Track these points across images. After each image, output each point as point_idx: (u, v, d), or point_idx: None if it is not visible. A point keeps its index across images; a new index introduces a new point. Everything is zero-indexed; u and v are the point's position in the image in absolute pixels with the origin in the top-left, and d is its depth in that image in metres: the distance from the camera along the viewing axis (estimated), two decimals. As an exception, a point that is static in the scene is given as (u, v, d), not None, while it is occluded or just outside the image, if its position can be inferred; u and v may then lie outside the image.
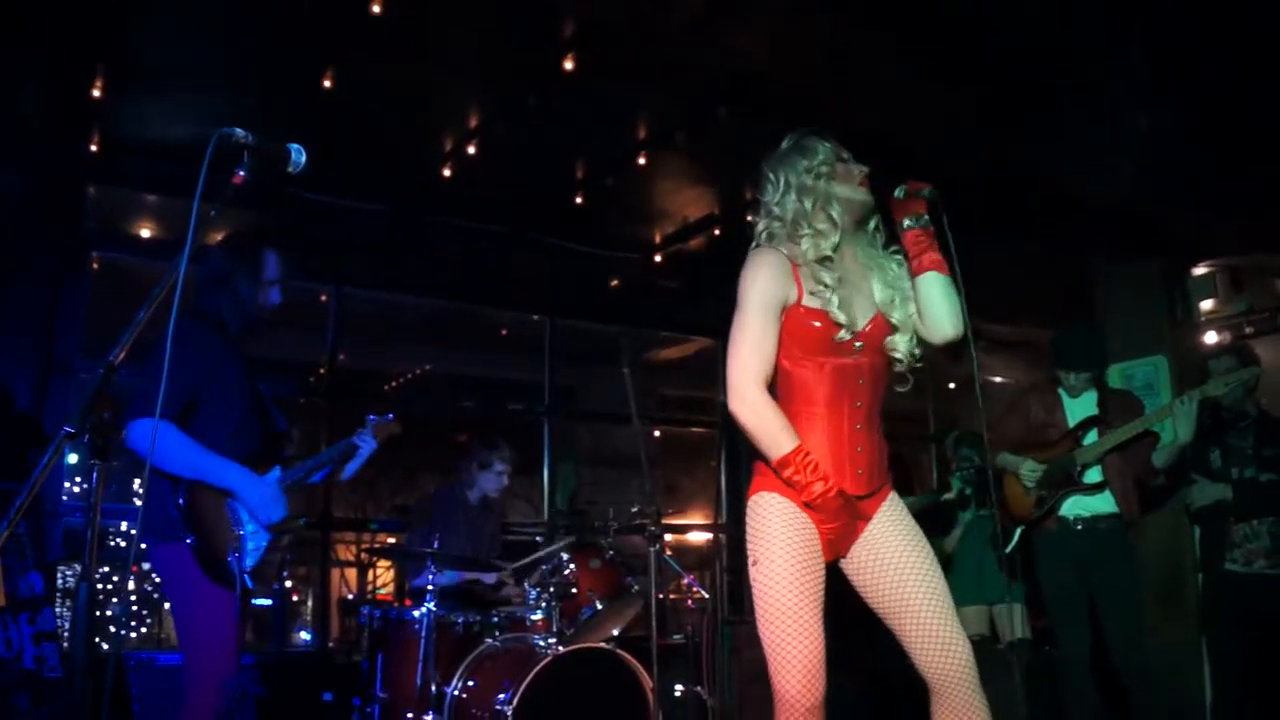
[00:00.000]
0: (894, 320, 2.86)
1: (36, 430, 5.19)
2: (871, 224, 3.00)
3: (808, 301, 2.79)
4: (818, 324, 2.78)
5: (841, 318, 2.77)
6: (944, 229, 2.85)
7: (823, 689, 2.74)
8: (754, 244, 2.97)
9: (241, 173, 2.40)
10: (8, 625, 4.37)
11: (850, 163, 2.92)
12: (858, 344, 2.81)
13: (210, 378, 3.36)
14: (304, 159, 2.57)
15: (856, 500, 2.81)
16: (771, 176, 2.97)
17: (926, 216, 2.86)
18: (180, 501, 3.26)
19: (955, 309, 2.82)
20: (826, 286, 2.79)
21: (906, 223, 2.86)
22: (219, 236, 3.90)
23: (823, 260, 2.83)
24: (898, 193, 2.88)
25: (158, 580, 3.57)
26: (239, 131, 2.37)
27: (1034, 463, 4.91)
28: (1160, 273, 6.12)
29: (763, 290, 2.80)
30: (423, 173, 6.10)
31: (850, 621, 3.10)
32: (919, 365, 2.90)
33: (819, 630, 2.74)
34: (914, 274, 2.86)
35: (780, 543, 2.76)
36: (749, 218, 3.09)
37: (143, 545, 3.53)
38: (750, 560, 2.84)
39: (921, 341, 2.89)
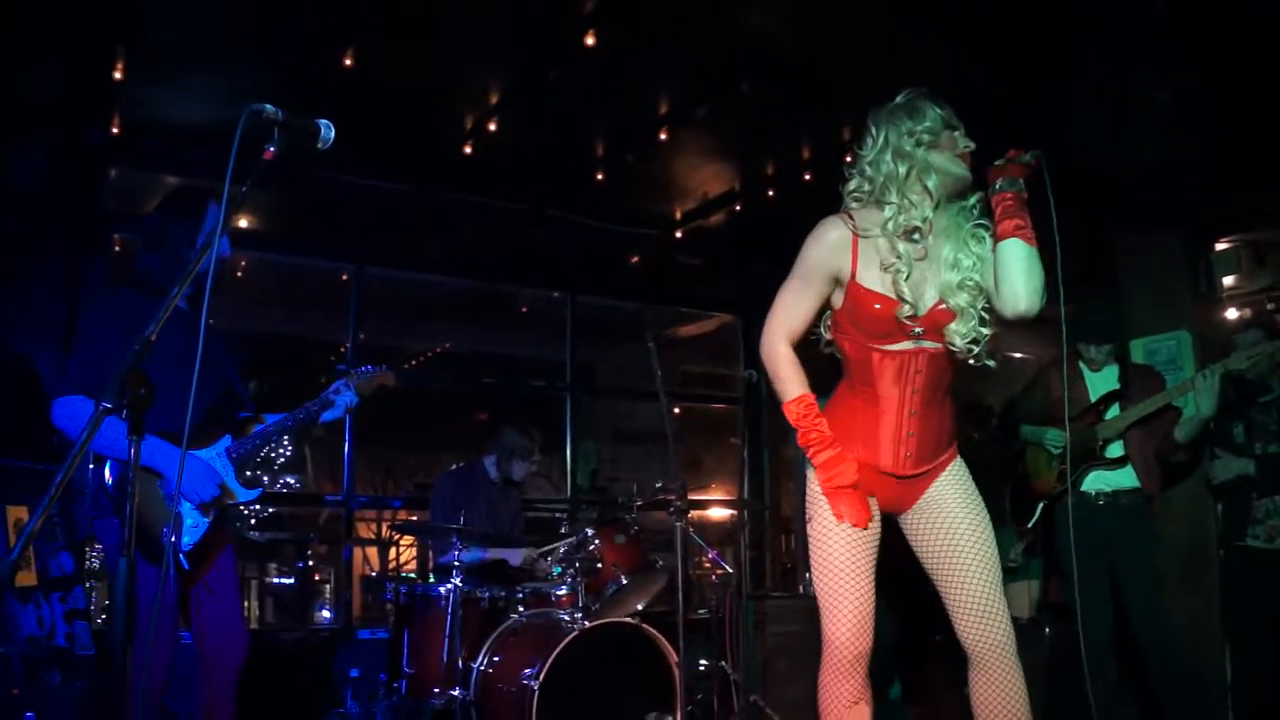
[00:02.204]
0: (951, 305, 2.76)
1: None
2: (971, 200, 2.87)
3: (866, 280, 2.77)
4: (878, 306, 2.76)
5: (908, 294, 2.74)
6: (1047, 194, 2.74)
7: (870, 640, 2.84)
8: (846, 204, 2.91)
9: (271, 149, 2.39)
10: (40, 604, 4.41)
11: (959, 133, 2.83)
12: (918, 329, 2.76)
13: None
14: (333, 134, 2.56)
15: (901, 479, 2.86)
16: (873, 131, 2.87)
17: (1021, 181, 2.77)
18: (109, 478, 3.14)
19: (1033, 283, 2.70)
20: (899, 259, 2.75)
21: (999, 184, 2.77)
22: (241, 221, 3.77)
23: (909, 232, 2.78)
24: (999, 161, 2.80)
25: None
26: (269, 107, 2.36)
27: (1057, 431, 4.88)
28: (1183, 248, 6.07)
29: (813, 259, 2.83)
30: (443, 151, 6.09)
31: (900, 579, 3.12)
32: (975, 356, 2.78)
33: (870, 584, 2.84)
34: (996, 239, 2.75)
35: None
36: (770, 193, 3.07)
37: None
38: (806, 516, 2.93)
39: (990, 322, 2.79)
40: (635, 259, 7.83)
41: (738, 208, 7.04)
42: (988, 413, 6.75)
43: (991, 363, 2.81)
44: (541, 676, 4.34)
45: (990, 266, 2.78)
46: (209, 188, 3.49)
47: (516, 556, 5.73)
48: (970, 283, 2.77)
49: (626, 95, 5.60)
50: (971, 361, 2.80)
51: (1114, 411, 4.85)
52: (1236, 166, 5.57)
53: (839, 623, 2.84)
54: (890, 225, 2.77)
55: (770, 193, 6.71)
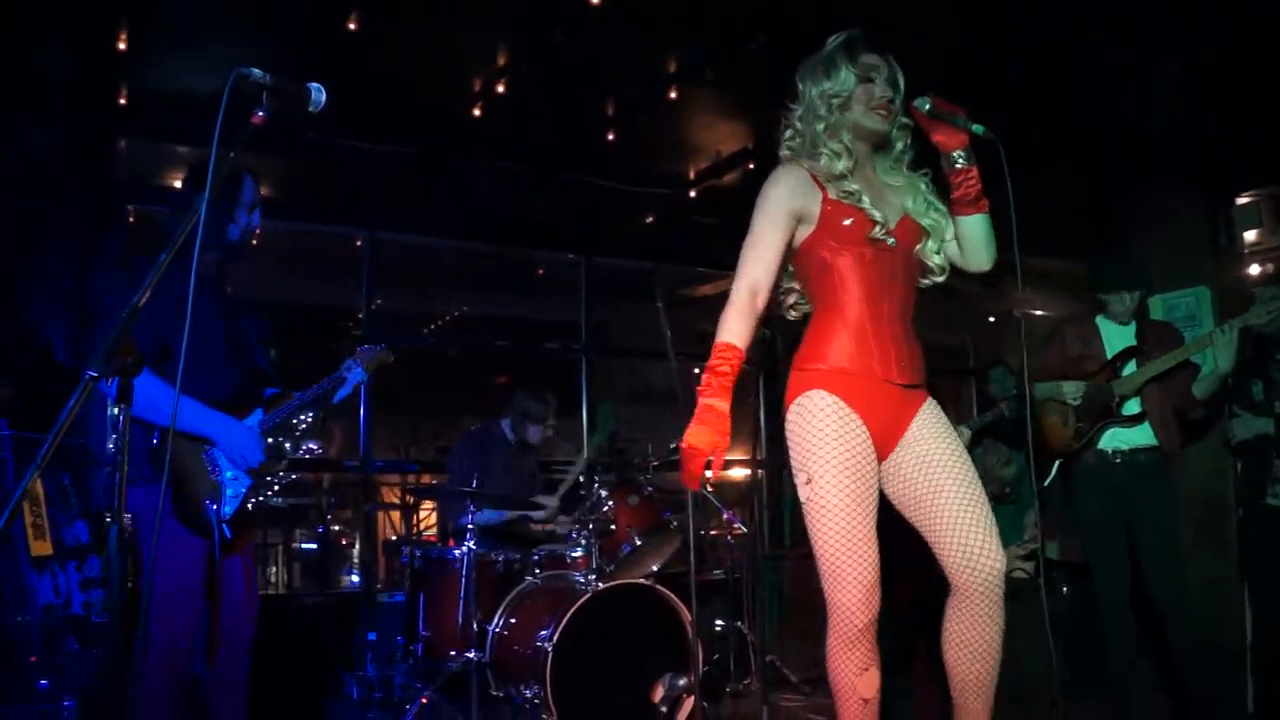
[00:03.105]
0: (924, 224, 2.91)
1: (74, 382, 5.25)
2: (900, 145, 3.00)
3: (837, 198, 2.83)
4: (849, 221, 2.81)
5: (876, 215, 2.81)
6: (1002, 163, 2.76)
7: (877, 606, 2.78)
8: (781, 154, 3.04)
9: (260, 113, 2.36)
10: (56, 573, 4.45)
11: (876, 83, 2.87)
12: (890, 240, 2.84)
13: (179, 315, 3.23)
14: (324, 98, 2.52)
15: (902, 388, 2.84)
16: (800, 88, 2.99)
17: (971, 154, 2.81)
18: (155, 445, 3.18)
19: (992, 244, 2.89)
20: (850, 194, 2.83)
21: (958, 157, 2.82)
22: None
23: (842, 176, 2.86)
24: (919, 102, 2.81)
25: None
26: (256, 71, 2.34)
27: (1075, 382, 4.83)
28: (1203, 202, 5.98)
29: (775, 202, 2.87)
30: (452, 114, 6.05)
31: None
32: (942, 278, 2.97)
33: (874, 546, 2.77)
34: (958, 212, 2.88)
35: (831, 454, 2.75)
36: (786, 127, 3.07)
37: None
38: (801, 478, 2.82)
39: (1003, 235, 2.91)
40: (650, 219, 7.79)
41: (751, 166, 6.97)
42: (1006, 371, 6.72)
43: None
44: (556, 638, 4.36)
45: (945, 211, 2.93)
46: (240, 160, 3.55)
47: (541, 512, 5.76)
48: (937, 210, 2.92)
49: (634, 54, 5.53)
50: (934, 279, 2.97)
51: (1130, 368, 4.79)
52: (1259, 118, 5.47)
53: (847, 590, 2.75)
54: (835, 169, 2.86)
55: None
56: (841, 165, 2.85)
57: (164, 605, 3.12)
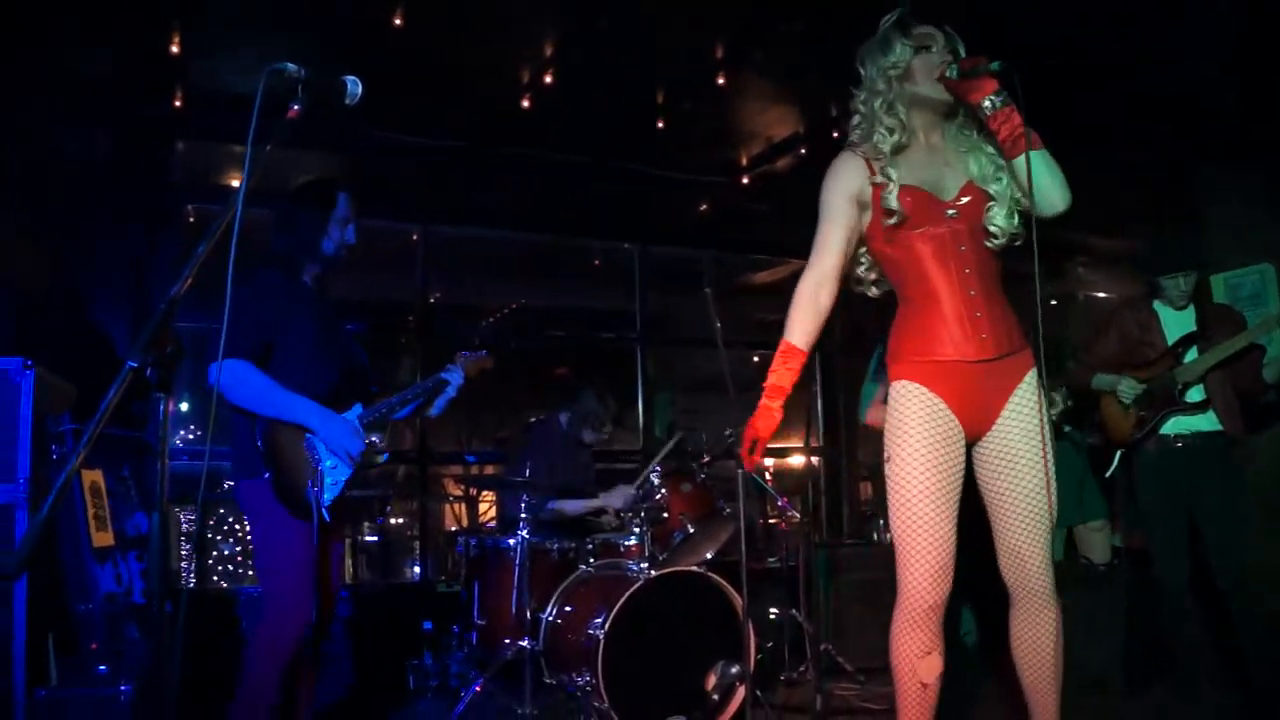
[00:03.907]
0: (990, 191, 2.87)
1: (135, 376, 5.36)
2: (962, 114, 2.98)
3: (891, 179, 2.84)
4: (909, 199, 2.83)
5: (929, 186, 2.85)
6: (1019, 100, 2.76)
7: (947, 589, 2.84)
8: (849, 140, 3.03)
9: (296, 107, 2.39)
10: (118, 563, 4.55)
11: (933, 50, 2.89)
12: (950, 211, 2.85)
13: (283, 319, 3.44)
14: (360, 90, 2.54)
15: (983, 363, 2.84)
16: (860, 70, 3.00)
17: (1005, 93, 2.77)
18: (258, 438, 3.36)
19: (1061, 180, 2.77)
20: (904, 173, 2.85)
21: (986, 104, 2.78)
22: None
23: (895, 153, 2.87)
24: (950, 73, 2.79)
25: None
26: (290, 66, 2.37)
27: (1133, 379, 4.74)
28: (1266, 177, 5.83)
29: (833, 189, 2.93)
30: (502, 105, 6.09)
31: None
32: (1018, 241, 2.88)
33: (950, 530, 2.82)
34: (1009, 157, 2.80)
35: (915, 439, 2.83)
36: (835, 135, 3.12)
37: (229, 484, 3.64)
38: (885, 456, 2.90)
39: (1024, 216, 2.86)
40: (703, 207, 7.78)
41: (804, 151, 6.93)
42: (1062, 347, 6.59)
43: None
44: (608, 626, 4.36)
45: (1008, 170, 2.86)
46: (336, 178, 3.82)
47: (617, 499, 5.75)
48: (1002, 176, 2.87)
49: (682, 40, 5.52)
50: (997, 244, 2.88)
51: (1192, 355, 4.68)
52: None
53: (916, 569, 2.82)
54: (883, 146, 2.87)
55: (835, 134, 6.59)
56: (892, 141, 2.87)
57: (281, 595, 3.37)
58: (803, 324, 2.94)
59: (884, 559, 6.05)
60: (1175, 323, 4.81)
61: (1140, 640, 5.02)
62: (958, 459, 2.86)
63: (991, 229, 2.86)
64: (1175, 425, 4.72)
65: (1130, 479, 4.91)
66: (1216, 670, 4.80)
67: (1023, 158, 2.72)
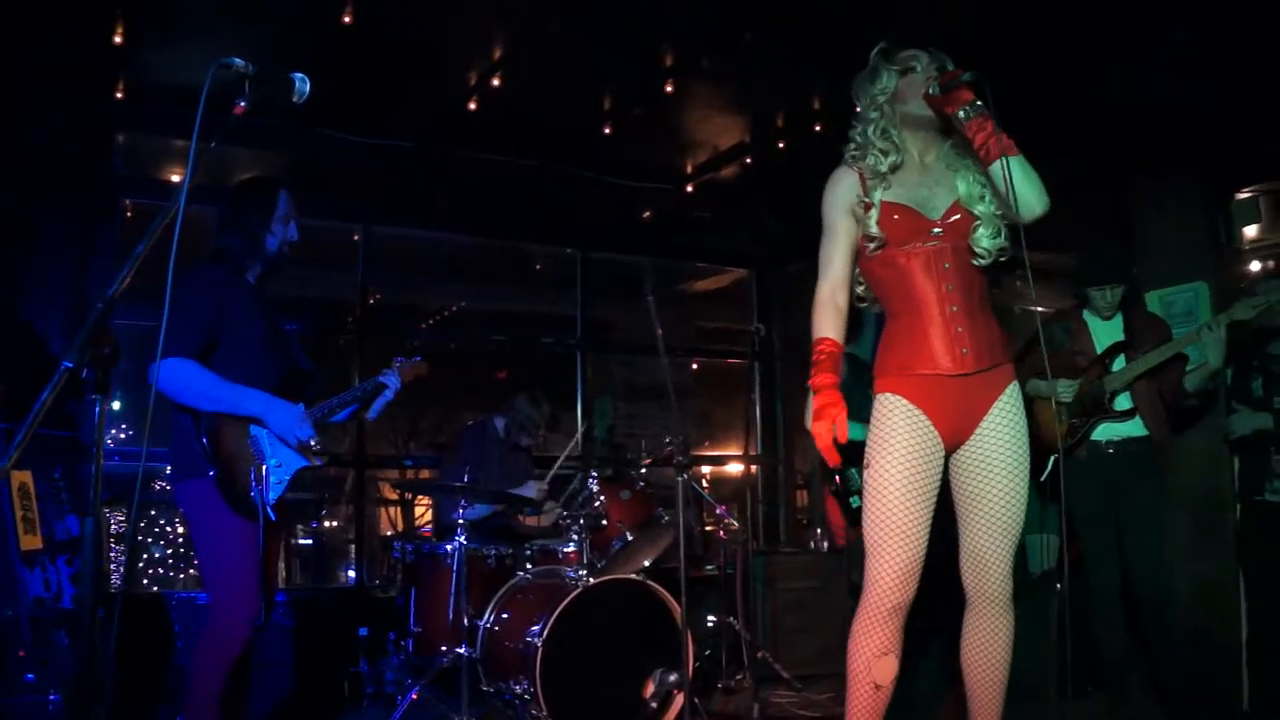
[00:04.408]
0: (975, 211, 2.94)
1: (71, 376, 5.24)
2: (955, 133, 3.06)
3: (882, 198, 2.97)
4: (896, 216, 2.95)
5: (917, 205, 2.95)
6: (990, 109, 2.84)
7: (911, 593, 2.93)
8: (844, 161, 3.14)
9: (242, 103, 2.37)
10: (46, 567, 4.45)
11: (917, 73, 2.99)
12: (936, 230, 2.94)
13: (226, 317, 3.40)
14: (308, 87, 2.54)
15: (963, 377, 2.93)
16: (855, 101, 3.14)
17: (978, 103, 2.85)
18: (203, 436, 3.32)
19: (1038, 186, 2.84)
20: (894, 191, 2.97)
21: (960, 115, 2.86)
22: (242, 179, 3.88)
23: (887, 173, 3.00)
24: (931, 89, 2.89)
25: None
26: (238, 61, 2.35)
27: (1068, 380, 4.83)
28: (1202, 196, 5.94)
29: (829, 204, 3.08)
30: (448, 107, 6.04)
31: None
32: (1004, 258, 2.97)
33: (920, 537, 2.92)
34: (984, 164, 2.88)
35: (895, 449, 2.93)
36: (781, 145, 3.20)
37: (160, 485, 3.59)
38: (866, 462, 3.01)
39: (1012, 231, 2.94)
40: (647, 214, 7.78)
41: (749, 160, 6.96)
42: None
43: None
44: (546, 634, 4.34)
45: (990, 185, 2.94)
46: (278, 176, 3.84)
47: (530, 489, 5.76)
48: (987, 194, 2.95)
49: (630, 47, 5.51)
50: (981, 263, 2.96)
51: (1120, 363, 4.79)
52: (1258, 113, 5.44)
53: (883, 568, 2.91)
54: (879, 168, 3.00)
55: (781, 144, 6.63)
56: (887, 162, 2.99)
57: (228, 595, 3.32)
58: (829, 320, 3.05)
59: (821, 567, 6.14)
60: (1104, 332, 4.93)
61: (1073, 649, 5.09)
62: (934, 470, 2.96)
63: (977, 249, 2.94)
64: (1105, 431, 4.84)
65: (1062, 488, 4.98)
66: (1146, 679, 4.88)
67: (999, 164, 2.79)
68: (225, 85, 2.35)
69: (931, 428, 2.94)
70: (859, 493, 4.79)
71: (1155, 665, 4.79)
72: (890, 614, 2.92)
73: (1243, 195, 5.90)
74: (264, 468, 3.36)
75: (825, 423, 2.94)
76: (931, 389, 2.94)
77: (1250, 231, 5.96)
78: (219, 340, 3.39)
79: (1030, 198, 2.82)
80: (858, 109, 3.11)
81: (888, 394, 3.00)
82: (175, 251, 2.23)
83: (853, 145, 3.11)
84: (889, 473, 2.92)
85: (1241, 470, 5.16)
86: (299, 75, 2.51)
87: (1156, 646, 4.75)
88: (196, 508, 3.37)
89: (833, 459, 2.99)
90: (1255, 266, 5.93)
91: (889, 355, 3.04)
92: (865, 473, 3.00)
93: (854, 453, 4.90)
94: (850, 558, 5.26)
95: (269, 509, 3.32)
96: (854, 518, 4.98)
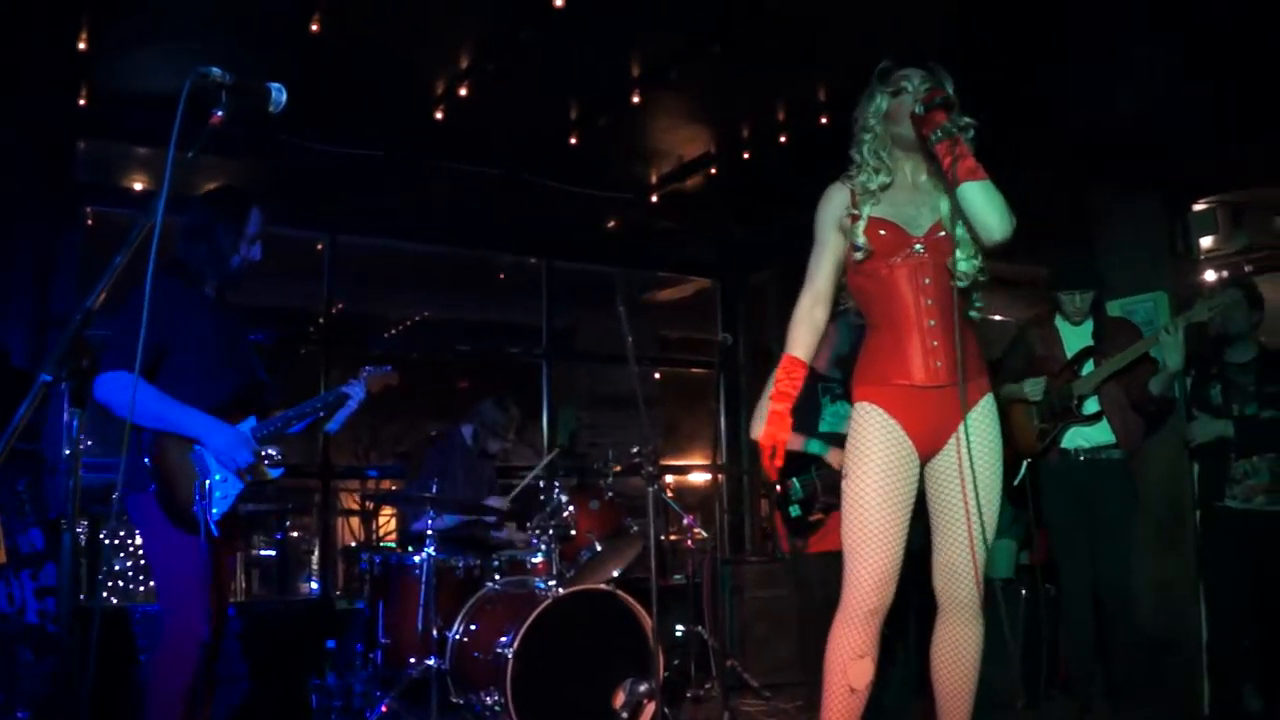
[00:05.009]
0: (954, 234, 2.98)
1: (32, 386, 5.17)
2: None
3: (870, 214, 3.03)
4: (883, 232, 3.00)
5: (902, 221, 3.00)
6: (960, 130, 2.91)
7: (888, 598, 2.99)
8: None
9: (219, 113, 2.33)
10: (10, 581, 4.39)
11: (907, 94, 3.01)
12: (917, 246, 2.99)
13: (177, 329, 3.33)
14: (285, 97, 2.50)
15: (937, 389, 2.98)
16: (855, 117, 3.19)
17: (950, 126, 2.88)
18: (145, 451, 3.27)
19: (1000, 211, 2.83)
20: (882, 208, 3.03)
21: (931, 138, 2.90)
22: (209, 189, 3.82)
23: (877, 191, 3.06)
24: (917, 109, 2.92)
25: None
26: (215, 70, 2.31)
27: (1034, 380, 4.89)
28: (1161, 207, 6.03)
29: (820, 218, 3.15)
30: (415, 116, 6.02)
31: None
32: (982, 279, 3.03)
33: (898, 543, 2.98)
34: (950, 187, 2.91)
35: (871, 457, 2.99)
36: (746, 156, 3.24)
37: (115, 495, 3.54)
38: (843, 471, 3.07)
39: (987, 255, 2.98)
40: (612, 223, 7.78)
41: (714, 171, 6.98)
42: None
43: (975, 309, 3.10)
44: (516, 644, 4.34)
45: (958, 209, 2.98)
46: (250, 189, 3.74)
47: (497, 500, 5.75)
48: (960, 213, 2.96)
49: (598, 57, 5.52)
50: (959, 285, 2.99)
51: (1089, 368, 4.86)
52: (1214, 126, 5.53)
53: (861, 574, 2.97)
54: (870, 185, 3.06)
55: (746, 155, 6.66)
56: (877, 181, 3.06)
57: (175, 611, 3.28)
58: (802, 338, 3.15)
59: (787, 576, 6.15)
60: (1074, 337, 5.01)
61: (1038, 655, 5.15)
62: (910, 477, 3.01)
63: (955, 271, 2.98)
64: (1074, 438, 4.91)
65: (1035, 491, 5.05)
66: (1111, 683, 4.95)
67: (962, 187, 2.83)
68: (200, 94, 2.31)
69: (906, 437, 2.99)
70: (798, 502, 4.85)
71: (1118, 670, 4.86)
72: (867, 617, 2.96)
73: (1200, 207, 6.01)
74: (207, 483, 3.30)
75: (767, 444, 3.09)
76: (906, 400, 2.99)
77: (1207, 242, 6.07)
78: (169, 353, 3.33)
79: (990, 222, 2.83)
80: (856, 127, 3.16)
81: (865, 403, 3.05)
82: (153, 263, 2.21)
83: (851, 166, 3.16)
84: (865, 481, 2.97)
85: (1201, 476, 5.23)
86: (276, 85, 2.48)
87: (1119, 652, 4.83)
88: (142, 521, 3.33)
89: (771, 475, 3.15)
90: (1210, 275, 6.03)
91: (868, 366, 3.10)
92: (844, 481, 3.05)
93: (794, 463, 4.97)
94: (794, 565, 5.29)
95: (213, 525, 3.26)
96: (794, 527, 5.01)
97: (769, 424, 3.11)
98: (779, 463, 3.10)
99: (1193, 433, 5.10)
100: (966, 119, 2.99)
